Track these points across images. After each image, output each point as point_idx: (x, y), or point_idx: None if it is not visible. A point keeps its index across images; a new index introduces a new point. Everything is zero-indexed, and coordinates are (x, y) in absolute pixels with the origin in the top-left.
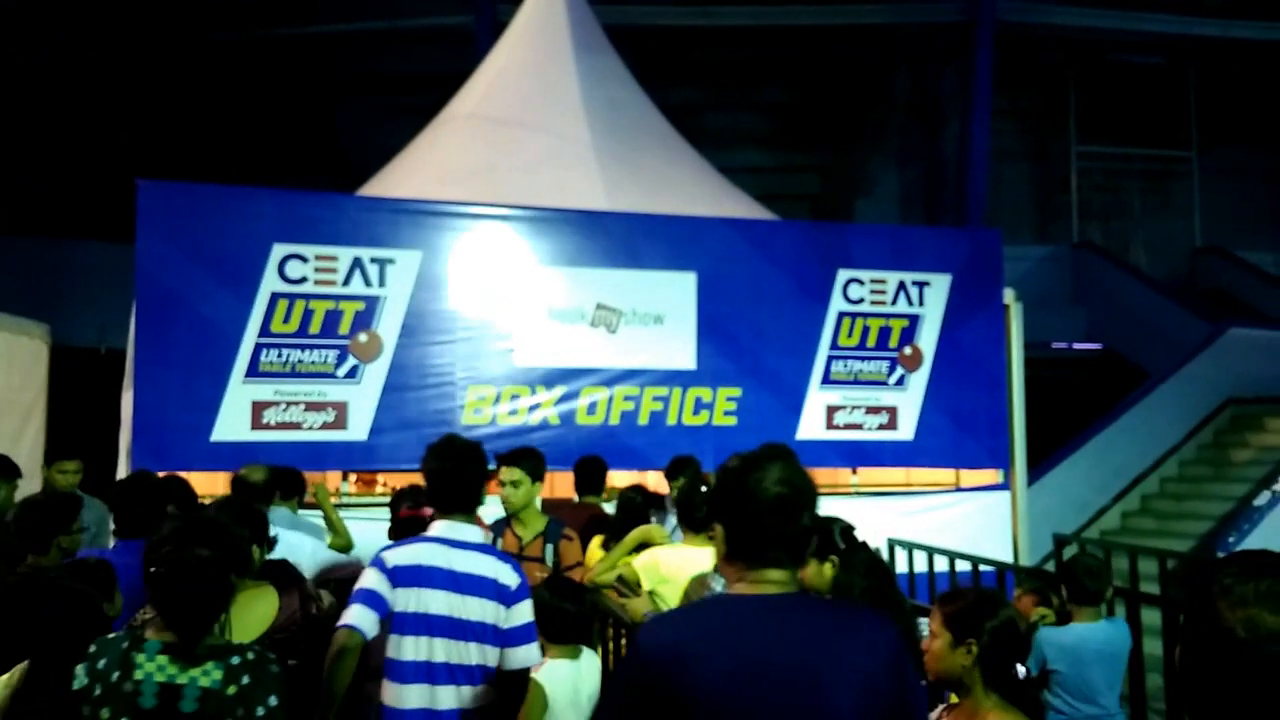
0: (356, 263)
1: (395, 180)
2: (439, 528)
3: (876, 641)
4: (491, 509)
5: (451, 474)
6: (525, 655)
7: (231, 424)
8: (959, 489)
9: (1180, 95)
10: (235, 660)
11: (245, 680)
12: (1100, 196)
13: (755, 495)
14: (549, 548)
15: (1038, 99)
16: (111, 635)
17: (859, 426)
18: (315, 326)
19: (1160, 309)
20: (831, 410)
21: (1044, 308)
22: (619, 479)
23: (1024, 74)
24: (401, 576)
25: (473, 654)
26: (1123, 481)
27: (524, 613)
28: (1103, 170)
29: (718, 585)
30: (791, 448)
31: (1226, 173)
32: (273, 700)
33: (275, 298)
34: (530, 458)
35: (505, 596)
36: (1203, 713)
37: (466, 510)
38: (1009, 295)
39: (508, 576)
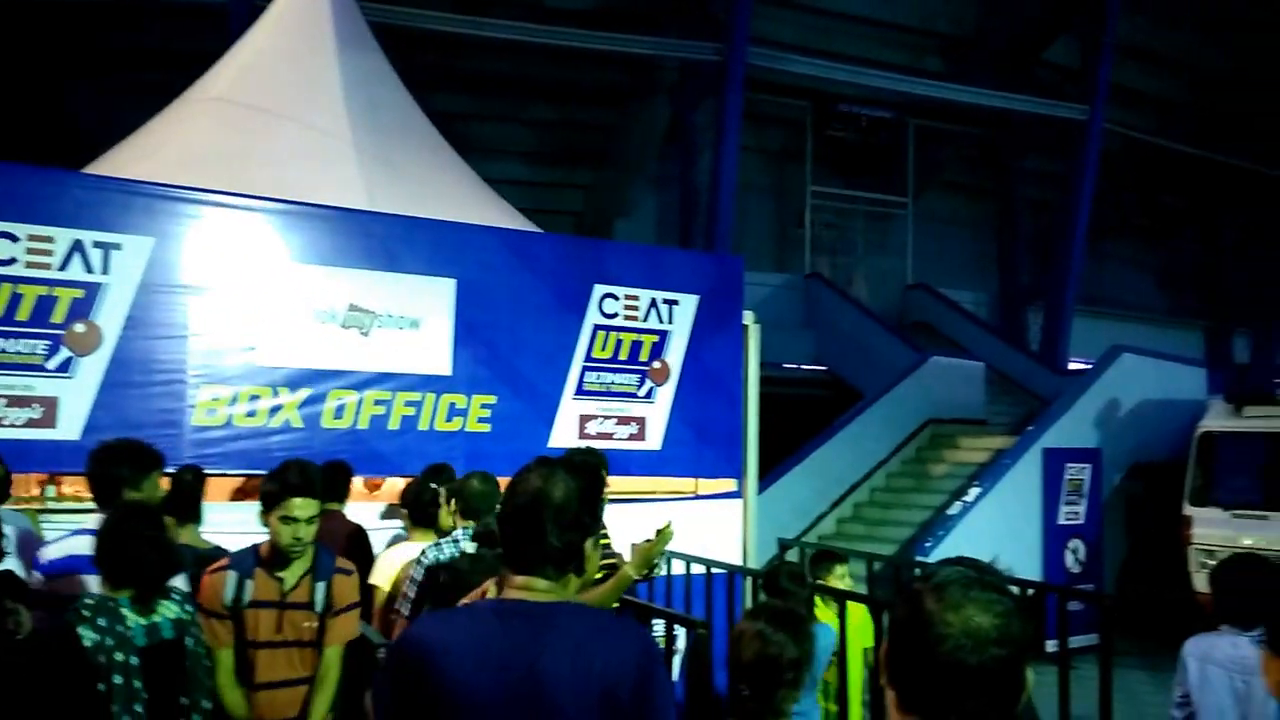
0: (77, 246)
1: (129, 160)
2: None
3: (624, 653)
4: (229, 527)
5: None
6: None
7: None
8: (698, 496)
9: (901, 147)
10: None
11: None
12: (830, 233)
13: (509, 502)
14: (319, 586)
15: (780, 139)
16: (95, 600)
17: (610, 436)
18: (23, 313)
19: (875, 337)
20: (584, 419)
21: (779, 331)
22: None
23: (769, 115)
24: None
25: None
26: (840, 490)
27: None
28: (833, 209)
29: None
30: (544, 456)
31: (935, 219)
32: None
33: None
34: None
35: None
36: (907, 704)
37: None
38: (748, 317)
39: None
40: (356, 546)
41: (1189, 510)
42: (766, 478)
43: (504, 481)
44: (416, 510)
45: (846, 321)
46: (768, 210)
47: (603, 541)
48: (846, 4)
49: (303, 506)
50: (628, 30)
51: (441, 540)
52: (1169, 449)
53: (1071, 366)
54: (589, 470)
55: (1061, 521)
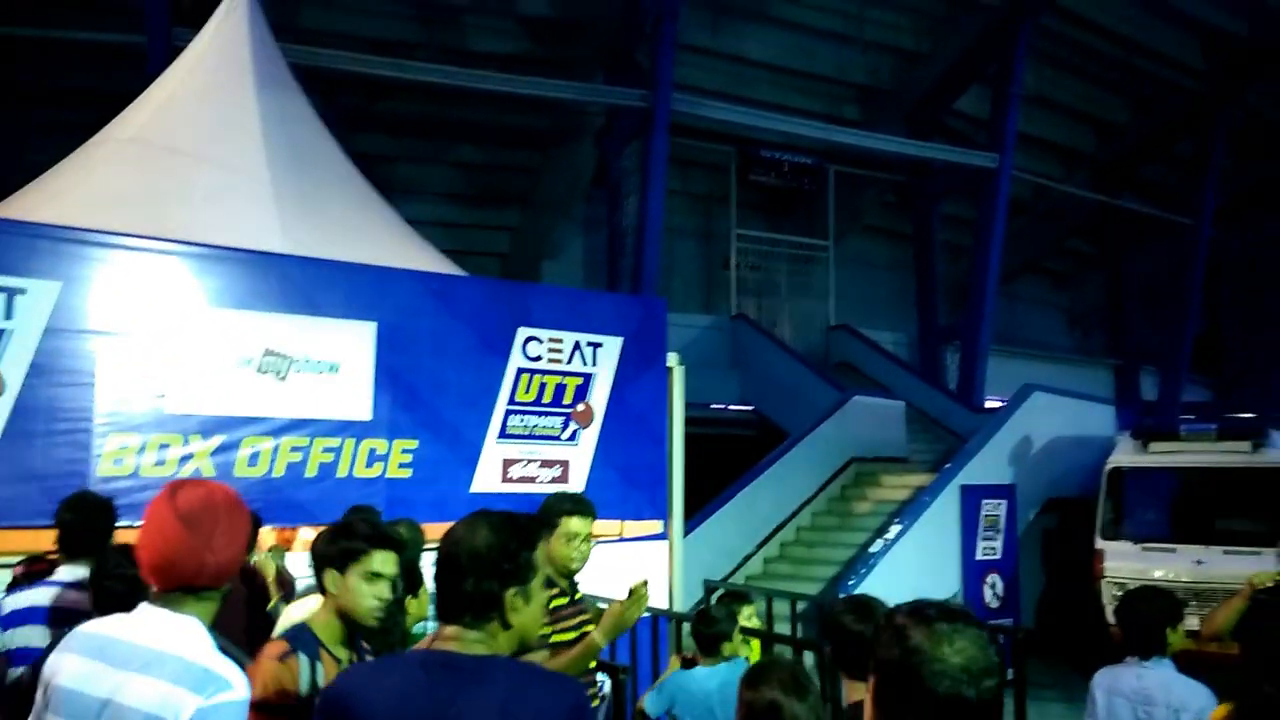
0: None
1: (37, 202)
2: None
3: (551, 711)
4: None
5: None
6: None
7: None
8: (623, 539)
9: (822, 192)
10: None
11: None
12: (755, 275)
13: (439, 551)
14: None
15: (706, 183)
16: None
17: (533, 480)
18: None
19: (800, 377)
20: (508, 464)
21: (706, 372)
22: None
23: (695, 160)
24: None
25: None
26: (766, 530)
27: None
28: (758, 251)
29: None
30: (466, 502)
31: (857, 262)
32: None
33: None
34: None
35: None
36: None
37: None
38: (673, 359)
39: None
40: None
41: (1100, 544)
42: (693, 519)
43: (427, 528)
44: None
45: (772, 362)
46: (694, 253)
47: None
48: (768, 54)
49: (385, 561)
50: (553, 75)
51: None
52: (1081, 484)
53: (988, 404)
54: (523, 524)
55: (979, 557)
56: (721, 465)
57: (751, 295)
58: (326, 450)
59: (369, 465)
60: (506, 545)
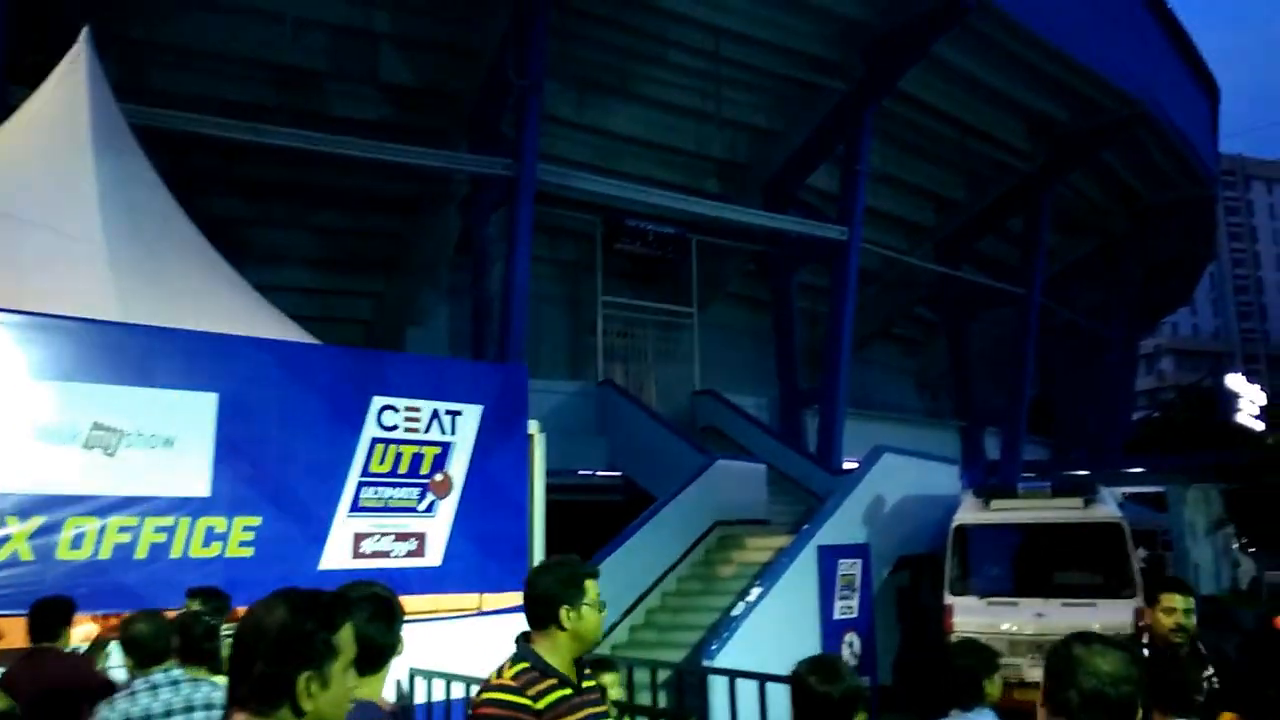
0: None
1: None
2: None
3: None
4: None
5: None
6: None
7: None
8: (482, 613)
9: (686, 260)
10: None
11: None
12: (621, 341)
13: (235, 634)
14: None
15: (572, 251)
16: None
17: (387, 554)
18: None
19: (666, 442)
20: (359, 538)
21: (573, 438)
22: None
23: (561, 228)
24: None
25: None
26: (633, 596)
27: None
28: (624, 318)
29: None
30: (313, 579)
31: (720, 328)
32: None
33: None
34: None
35: None
36: None
37: None
38: (534, 426)
39: None
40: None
41: (949, 600)
42: None
43: None
44: (188, 646)
45: (639, 427)
46: (561, 319)
47: None
48: (632, 128)
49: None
50: (417, 142)
51: (156, 681)
52: (930, 542)
53: (845, 465)
54: (324, 602)
55: (837, 616)
56: (588, 532)
57: (618, 361)
58: (159, 530)
59: (206, 545)
60: (302, 625)
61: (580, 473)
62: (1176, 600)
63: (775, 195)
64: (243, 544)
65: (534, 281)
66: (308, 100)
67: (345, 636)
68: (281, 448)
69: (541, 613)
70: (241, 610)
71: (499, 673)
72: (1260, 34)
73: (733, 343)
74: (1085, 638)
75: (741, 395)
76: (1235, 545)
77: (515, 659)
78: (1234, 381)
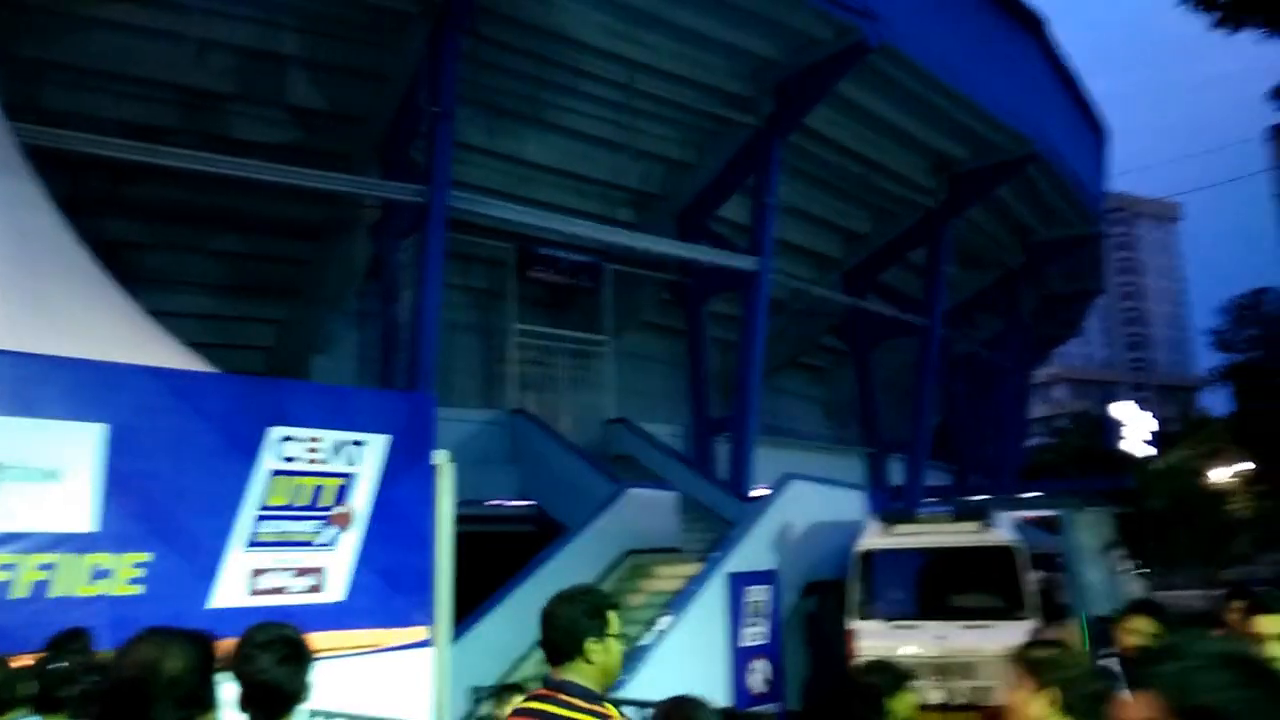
0: None
1: None
2: None
3: None
4: None
5: None
6: None
7: None
8: (385, 649)
9: (600, 288)
10: None
11: None
12: (535, 369)
13: (111, 677)
14: None
15: (485, 278)
16: None
17: (284, 590)
18: None
19: (578, 471)
20: (255, 574)
21: (485, 467)
22: None
23: (474, 255)
24: None
25: None
26: None
27: None
28: (538, 346)
29: None
30: (206, 618)
31: (633, 356)
32: None
33: None
34: None
35: None
36: None
37: None
38: (442, 456)
39: None
40: None
41: (854, 624)
42: (465, 622)
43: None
44: (45, 693)
45: (551, 456)
46: (474, 347)
47: None
48: (546, 156)
49: None
50: (326, 166)
51: None
52: (837, 567)
53: (756, 493)
54: (210, 642)
55: (745, 643)
56: (499, 563)
57: (532, 389)
58: (41, 567)
59: (91, 582)
60: (207, 671)
61: (491, 503)
62: (1141, 623)
63: (688, 225)
64: (131, 581)
65: (445, 309)
66: (211, 122)
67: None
68: (173, 481)
69: (566, 646)
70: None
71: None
72: (1148, 78)
73: (646, 371)
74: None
75: (655, 423)
76: (1125, 567)
77: (556, 688)
78: (1123, 409)
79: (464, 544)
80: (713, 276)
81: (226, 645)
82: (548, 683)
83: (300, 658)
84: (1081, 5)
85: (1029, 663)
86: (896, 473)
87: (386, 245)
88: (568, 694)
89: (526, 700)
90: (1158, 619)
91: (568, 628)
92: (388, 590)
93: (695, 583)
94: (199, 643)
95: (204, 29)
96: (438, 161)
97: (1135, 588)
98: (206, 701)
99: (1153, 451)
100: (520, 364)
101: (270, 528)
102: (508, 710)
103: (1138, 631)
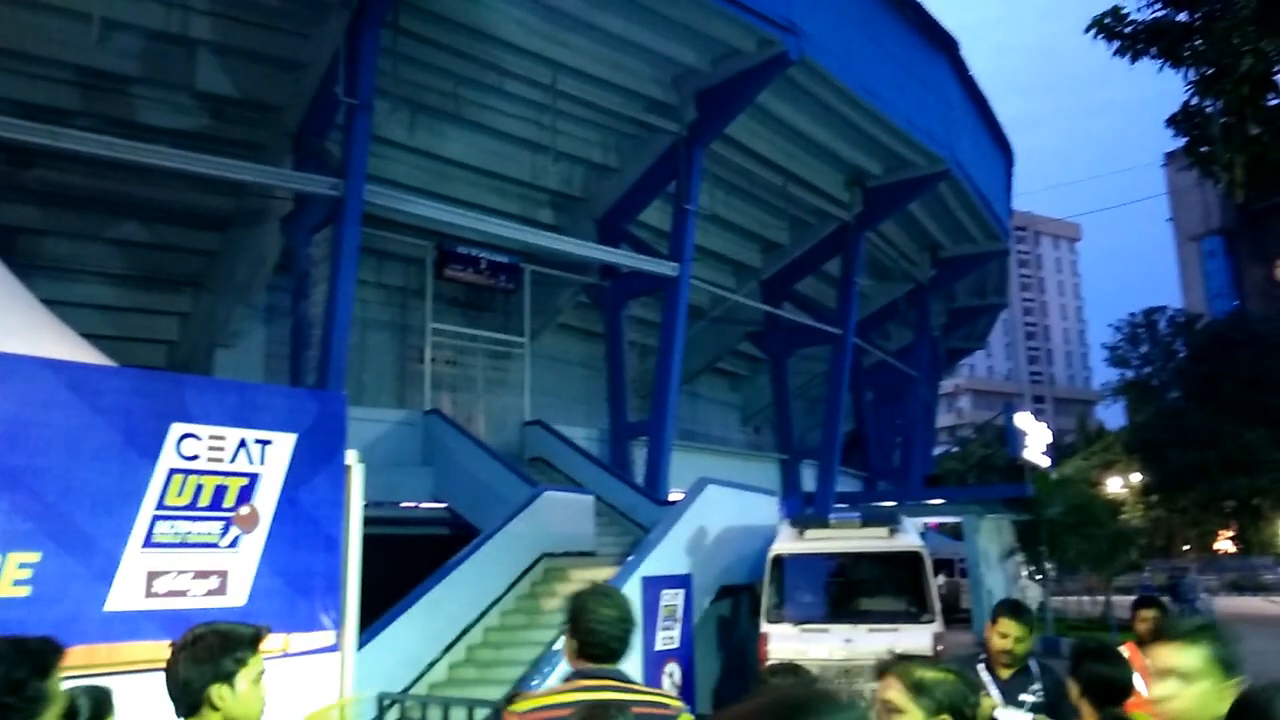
0: None
1: None
2: None
3: None
4: None
5: None
6: None
7: None
8: (288, 654)
9: (519, 289)
10: None
11: None
12: (450, 370)
13: None
14: None
15: (401, 275)
16: None
17: (184, 593)
18: None
19: (493, 473)
20: (153, 576)
21: (398, 468)
22: None
23: (390, 251)
24: None
25: None
26: (454, 633)
27: None
28: (454, 346)
29: None
30: (100, 621)
31: (551, 359)
32: None
33: None
34: None
35: None
36: None
37: None
38: (352, 456)
39: None
40: None
41: (765, 628)
42: (374, 627)
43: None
44: None
45: (466, 458)
46: (388, 346)
47: None
48: (466, 154)
49: None
50: (236, 155)
51: None
52: (750, 572)
53: (672, 497)
54: (34, 648)
55: (659, 647)
56: (411, 566)
57: (447, 390)
58: None
59: None
60: (9, 675)
61: (404, 505)
62: (1010, 627)
63: (609, 228)
64: (17, 583)
65: (359, 306)
66: (115, 106)
67: (55, 684)
68: (66, 477)
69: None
70: None
71: None
72: (1051, 102)
73: (564, 373)
74: (898, 659)
75: (572, 426)
76: (1024, 573)
77: None
78: (1023, 419)
79: (375, 546)
80: (632, 281)
81: (124, 649)
82: None
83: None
84: (990, 30)
85: (914, 685)
86: (810, 478)
87: (298, 238)
88: None
89: None
90: (1021, 621)
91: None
92: (293, 594)
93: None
94: (12, 649)
95: (108, 8)
96: (354, 154)
97: (1032, 593)
98: (26, 710)
99: (1049, 461)
100: (435, 364)
101: (169, 528)
102: None
103: (1005, 635)
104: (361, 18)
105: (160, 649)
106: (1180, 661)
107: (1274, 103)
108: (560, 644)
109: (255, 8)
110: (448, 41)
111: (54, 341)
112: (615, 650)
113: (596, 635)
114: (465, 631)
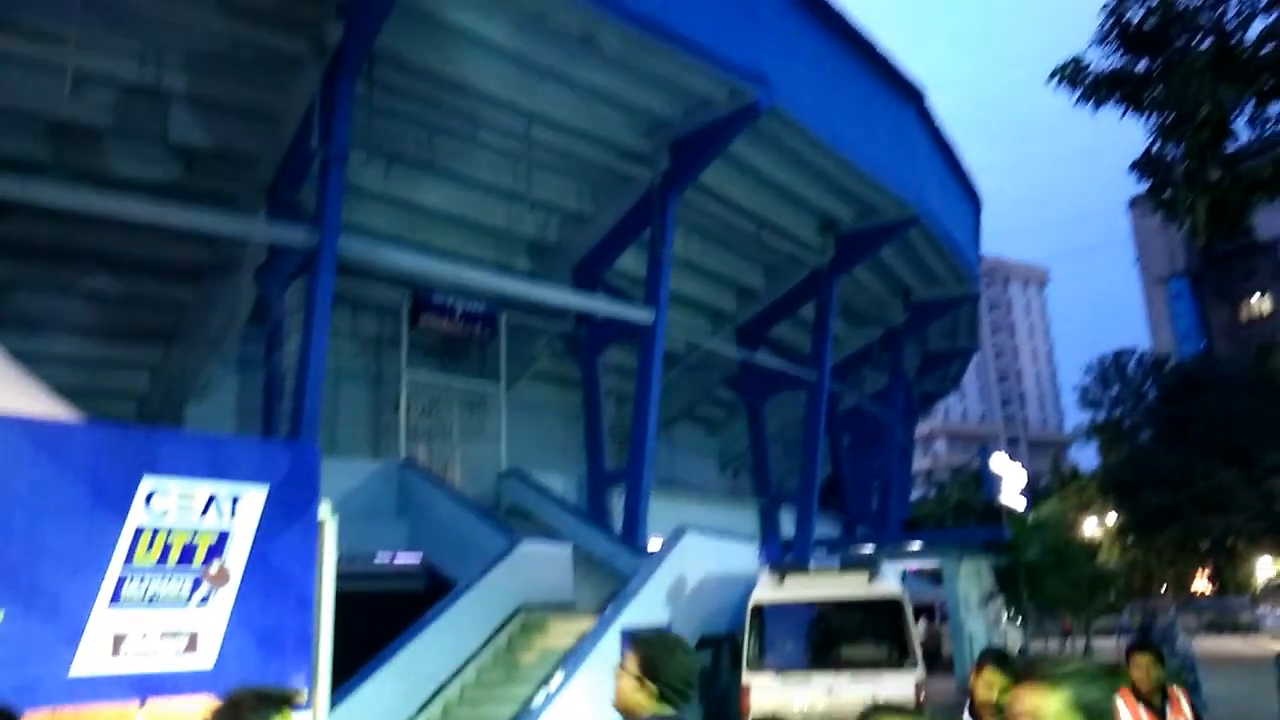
0: None
1: None
2: None
3: None
4: None
5: None
6: None
7: None
8: None
9: (494, 337)
10: None
11: None
12: (426, 419)
13: None
14: None
15: (376, 325)
16: None
17: (152, 653)
18: None
19: (469, 524)
20: (119, 639)
21: (372, 520)
22: None
23: (365, 301)
24: None
25: None
26: (430, 690)
27: None
28: (429, 396)
29: None
30: (66, 686)
31: (527, 407)
32: None
33: None
34: None
35: None
36: None
37: None
38: (325, 510)
39: None
40: None
41: (747, 677)
42: (347, 684)
43: None
44: None
45: (441, 508)
46: (362, 396)
47: None
48: (441, 203)
49: None
50: (208, 206)
51: None
52: (731, 620)
53: (651, 545)
54: None
55: None
56: (385, 622)
57: (422, 440)
58: None
59: None
60: None
61: (379, 559)
62: (995, 677)
63: (584, 276)
64: None
65: (333, 356)
66: (87, 158)
67: None
68: (31, 535)
69: None
70: None
71: None
72: (1018, 149)
73: (540, 422)
74: (877, 710)
75: (549, 474)
76: (1004, 616)
77: None
78: (998, 462)
79: (346, 604)
80: (608, 328)
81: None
82: None
83: None
84: (957, 81)
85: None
86: (788, 524)
87: (272, 289)
88: None
89: None
90: (1003, 671)
91: None
92: (263, 653)
93: (589, 640)
94: None
95: (81, 60)
96: (328, 204)
97: (1013, 637)
98: None
99: (1025, 504)
100: (410, 413)
101: (137, 587)
102: None
103: (990, 684)
104: (336, 70)
105: (128, 711)
106: (1040, 705)
107: (1233, 149)
108: (538, 700)
109: (229, 60)
110: (423, 92)
111: (22, 397)
112: (691, 696)
113: (681, 681)
114: (441, 689)
